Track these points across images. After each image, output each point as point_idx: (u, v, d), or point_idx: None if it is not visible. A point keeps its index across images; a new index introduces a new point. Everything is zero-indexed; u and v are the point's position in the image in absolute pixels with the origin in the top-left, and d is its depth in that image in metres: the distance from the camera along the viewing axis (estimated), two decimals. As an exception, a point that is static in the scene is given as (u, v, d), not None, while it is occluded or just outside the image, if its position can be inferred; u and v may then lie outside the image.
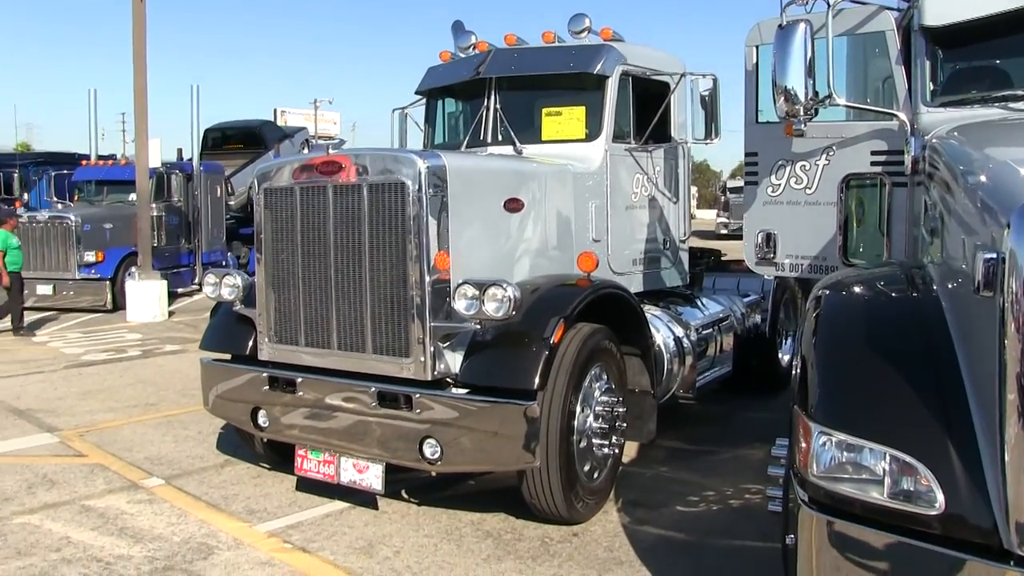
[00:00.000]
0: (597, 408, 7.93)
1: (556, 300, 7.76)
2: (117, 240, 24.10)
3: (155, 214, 24.87)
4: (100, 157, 29.84)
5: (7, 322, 19.43)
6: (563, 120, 9.91)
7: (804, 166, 8.48)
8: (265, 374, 8.40)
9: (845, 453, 4.34)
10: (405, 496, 8.45)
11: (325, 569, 6.98)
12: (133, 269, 23.05)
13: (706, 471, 9.31)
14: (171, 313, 22.65)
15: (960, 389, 4.27)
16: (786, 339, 13.24)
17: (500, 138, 10.01)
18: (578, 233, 9.33)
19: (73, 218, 23.58)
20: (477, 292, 7.34)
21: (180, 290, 26.09)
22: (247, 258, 29.20)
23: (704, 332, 10.72)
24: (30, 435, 11.05)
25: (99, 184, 26.78)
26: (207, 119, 47.03)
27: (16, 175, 29.43)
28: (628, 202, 10.10)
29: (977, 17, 6.98)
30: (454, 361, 7.61)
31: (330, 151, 8.13)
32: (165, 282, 22.58)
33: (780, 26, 7.19)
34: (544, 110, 10.05)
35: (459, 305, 7.43)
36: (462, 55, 10.85)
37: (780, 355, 12.94)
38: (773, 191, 8.70)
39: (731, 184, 60.04)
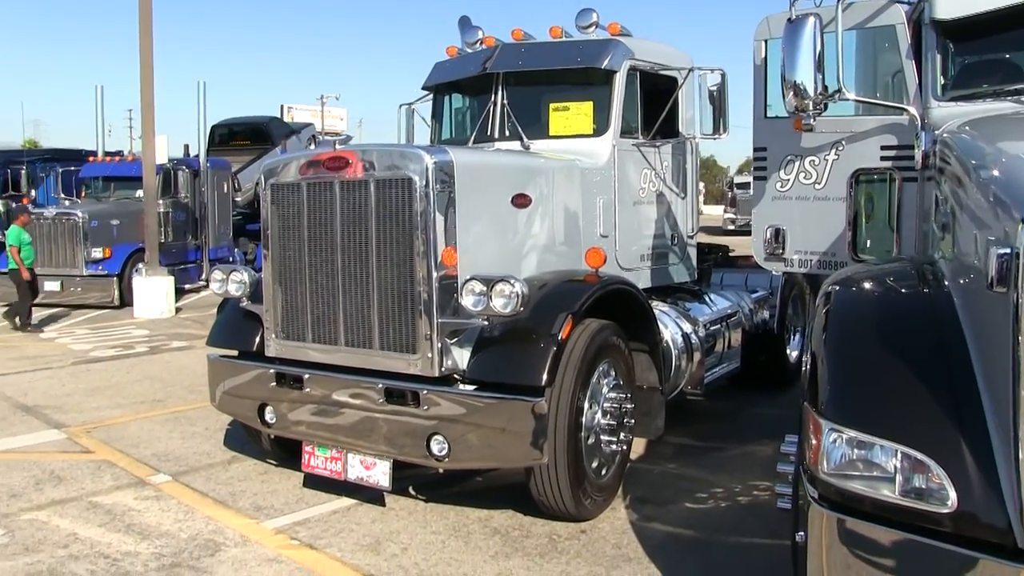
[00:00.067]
0: (605, 404, 7.90)
1: (564, 296, 7.72)
2: (124, 236, 24.15)
3: (162, 210, 24.89)
4: (107, 153, 29.84)
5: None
6: (570, 115, 9.88)
7: (813, 161, 8.44)
8: (272, 370, 8.38)
9: (856, 450, 4.30)
10: (412, 493, 8.43)
11: (332, 566, 6.95)
12: (140, 265, 23.12)
13: (714, 468, 9.28)
14: (178, 309, 22.66)
15: (972, 385, 4.23)
16: (794, 335, 13.22)
17: (507, 133, 9.96)
18: (586, 229, 9.29)
19: (80, 214, 23.65)
20: (485, 288, 7.30)
21: (187, 286, 26.11)
22: (254, 254, 29.17)
23: (712, 328, 10.68)
24: (37, 431, 11.05)
25: (106, 180, 26.84)
26: (214, 115, 47.27)
27: (23, 172, 29.43)
28: (636, 197, 10.06)
29: (988, 10, 6.94)
30: (461, 357, 7.58)
31: (337, 147, 8.11)
32: (172, 278, 22.59)
33: (789, 20, 7.16)
34: (551, 105, 10.02)
35: (466, 301, 7.39)
36: (469, 50, 10.82)
37: (788, 351, 12.92)
38: (782, 186, 8.66)
39: (738, 180, 59.87)
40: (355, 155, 7.90)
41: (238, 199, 30.33)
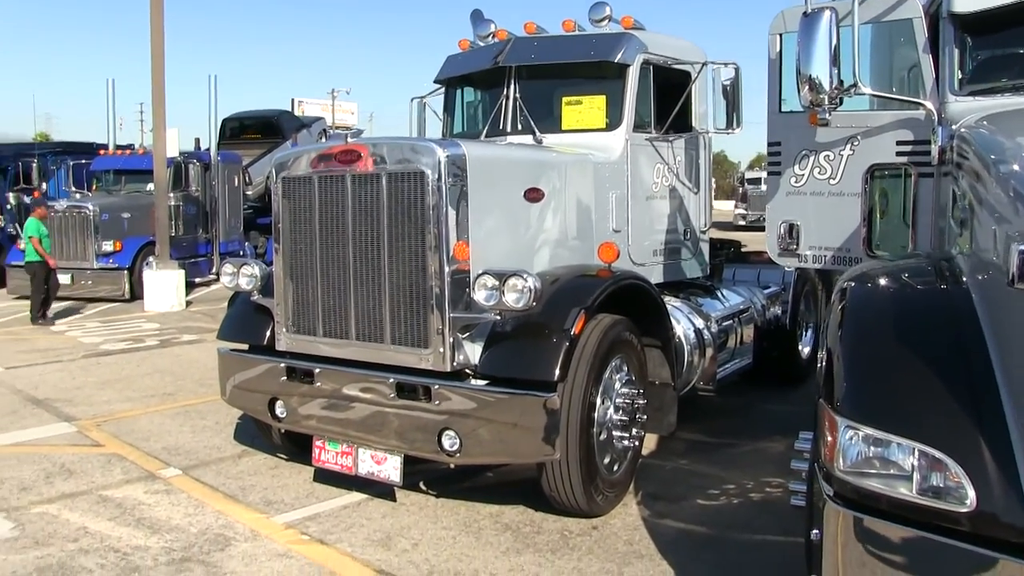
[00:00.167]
0: (617, 400, 7.86)
1: (577, 291, 7.68)
2: (135, 230, 24.19)
3: (173, 204, 24.91)
4: (118, 147, 29.84)
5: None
6: (583, 109, 9.83)
7: (828, 156, 8.38)
8: (283, 364, 8.35)
9: (872, 448, 4.24)
10: (423, 488, 8.40)
11: (343, 561, 6.92)
12: (151, 259, 23.12)
13: (726, 464, 9.23)
14: (189, 303, 22.69)
15: (992, 383, 4.17)
16: (806, 331, 13.17)
17: (520, 127, 9.92)
18: (598, 223, 9.24)
19: (91, 208, 23.70)
20: (497, 282, 7.26)
21: (197, 280, 26.17)
22: (264, 248, 29.22)
23: (724, 324, 10.64)
24: (48, 424, 11.04)
25: (117, 174, 26.87)
26: (225, 109, 47.21)
27: (35, 165, 29.40)
28: (648, 192, 10.01)
29: (1007, 4, 6.89)
30: (473, 352, 7.55)
31: (348, 140, 8.07)
32: (183, 272, 22.62)
33: (805, 13, 7.09)
34: (564, 99, 9.97)
35: (479, 296, 7.35)
36: (481, 44, 10.78)
37: (800, 347, 12.86)
38: (796, 181, 8.60)
39: (749, 175, 59.84)
40: (367, 148, 7.86)
41: (249, 192, 30.39)
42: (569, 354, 7.18)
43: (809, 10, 7.06)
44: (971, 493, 3.90)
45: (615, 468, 7.91)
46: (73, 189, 28.14)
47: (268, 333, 8.74)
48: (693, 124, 10.60)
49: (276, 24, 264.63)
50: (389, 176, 7.63)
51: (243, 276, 8.89)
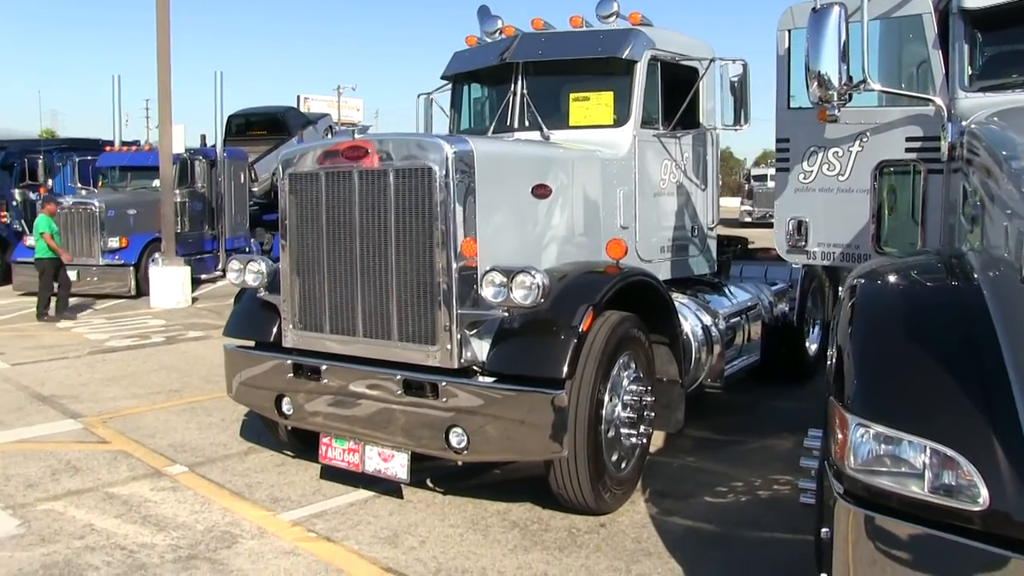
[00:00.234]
0: (625, 397, 7.84)
1: (585, 287, 7.65)
2: (141, 226, 24.19)
3: (179, 200, 24.93)
4: (124, 143, 29.88)
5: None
6: (591, 105, 9.80)
7: (837, 152, 8.35)
8: (289, 361, 8.33)
9: (883, 445, 4.21)
10: (430, 485, 8.38)
11: (350, 559, 6.90)
12: (157, 255, 23.13)
13: (733, 461, 9.21)
14: (194, 299, 22.69)
15: (1004, 380, 4.14)
16: (813, 328, 13.15)
17: (527, 123, 9.91)
18: (606, 220, 9.22)
19: (97, 204, 23.69)
20: (505, 279, 7.24)
21: (203, 276, 26.14)
22: (270, 244, 29.24)
23: (732, 321, 10.61)
24: (54, 421, 11.04)
25: (123, 170, 26.89)
26: (231, 105, 47.09)
27: (40, 161, 29.38)
28: (656, 189, 9.99)
29: (1018, -1, 6.85)
30: (481, 349, 7.52)
31: (356, 136, 8.05)
32: (188, 268, 22.62)
33: (814, 9, 7.07)
34: (571, 95, 9.95)
35: (486, 292, 7.33)
36: (488, 40, 10.75)
37: (807, 344, 12.84)
38: (805, 178, 8.57)
39: (755, 172, 59.84)
40: (374, 144, 7.84)
41: (255, 189, 30.38)
42: (577, 351, 7.16)
43: (818, 6, 7.03)
44: (984, 492, 3.87)
45: (623, 465, 7.89)
46: (79, 185, 28.15)
47: (275, 330, 8.72)
48: (701, 120, 10.57)
49: (282, 20, 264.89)
50: (396, 172, 7.61)
51: (250, 272, 8.88)
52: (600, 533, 7.36)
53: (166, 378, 13.50)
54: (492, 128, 10.19)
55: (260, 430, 9.73)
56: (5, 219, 28.08)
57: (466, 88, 11.21)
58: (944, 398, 4.20)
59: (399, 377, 7.56)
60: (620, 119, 9.68)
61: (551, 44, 10.11)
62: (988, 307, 4.55)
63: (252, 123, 34.73)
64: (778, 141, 8.85)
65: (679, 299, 9.53)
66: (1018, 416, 3.98)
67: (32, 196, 27.94)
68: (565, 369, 7.04)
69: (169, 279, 21.92)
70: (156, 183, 24.09)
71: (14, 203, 28.38)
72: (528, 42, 10.19)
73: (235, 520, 7.70)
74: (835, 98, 7.08)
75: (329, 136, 32.91)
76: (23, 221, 27.66)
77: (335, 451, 8.02)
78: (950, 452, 3.99)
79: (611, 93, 9.77)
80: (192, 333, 17.85)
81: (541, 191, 8.37)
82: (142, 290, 22.96)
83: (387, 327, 7.79)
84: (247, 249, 27.85)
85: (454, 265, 7.40)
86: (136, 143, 31.52)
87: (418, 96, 11.63)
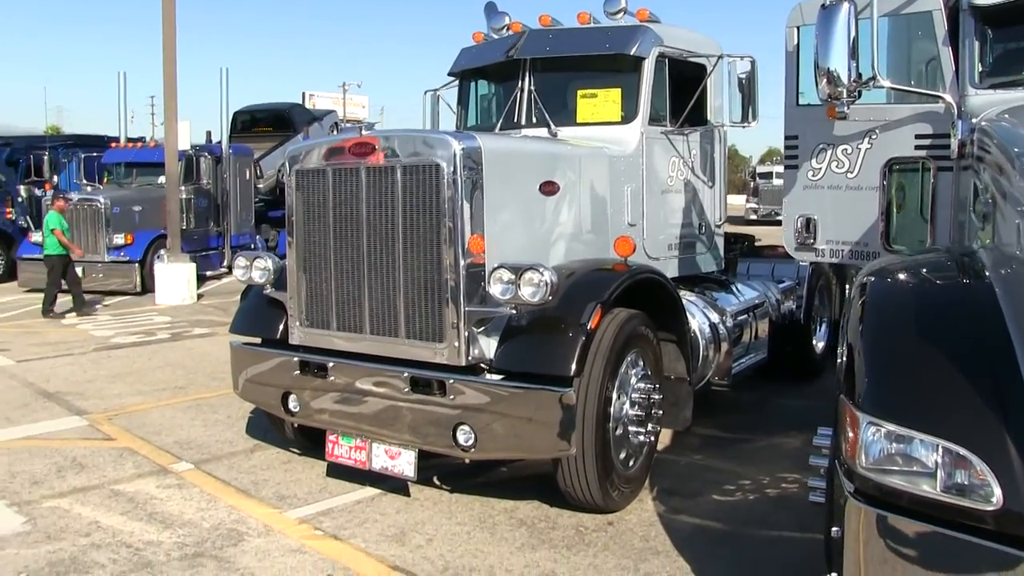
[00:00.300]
0: (633, 395, 7.81)
1: (593, 285, 7.63)
2: (146, 223, 24.20)
3: (184, 197, 24.90)
4: (129, 140, 29.86)
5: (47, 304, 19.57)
6: (598, 102, 9.78)
7: (846, 150, 8.32)
8: (296, 358, 8.32)
9: (895, 444, 4.18)
10: (437, 483, 8.37)
11: (357, 557, 6.88)
12: (162, 252, 23.10)
13: (741, 459, 9.19)
14: (200, 296, 22.69)
15: (1017, 378, 4.10)
16: (820, 326, 13.13)
17: (534, 120, 9.88)
18: (613, 217, 9.20)
19: (102, 200, 23.71)
20: (513, 276, 7.21)
21: (209, 273, 26.13)
22: (276, 241, 29.23)
23: (740, 318, 10.60)
24: (59, 418, 11.03)
25: (128, 167, 26.92)
26: (236, 102, 47.10)
27: (46, 158, 29.37)
28: (664, 186, 9.96)
29: (1029, -5, 6.83)
30: (488, 346, 7.50)
31: (363, 132, 8.03)
32: (194, 265, 22.62)
33: (823, 6, 7.04)
34: (579, 92, 9.92)
35: (494, 289, 7.30)
36: (495, 36, 10.72)
37: (815, 342, 12.82)
38: (814, 175, 8.54)
39: (761, 169, 59.81)
40: (381, 141, 7.82)
41: (260, 186, 30.39)
42: (585, 349, 7.13)
43: (827, 3, 7.01)
44: (997, 491, 3.84)
45: (631, 463, 7.87)
46: (84, 182, 28.18)
47: (281, 327, 8.71)
48: (708, 117, 10.55)
49: (287, 17, 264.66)
50: (404, 169, 7.59)
51: (256, 269, 8.86)
52: (608, 531, 7.33)
53: (171, 375, 13.50)
54: (499, 125, 10.17)
55: (266, 427, 9.72)
56: (11, 215, 28.08)
57: (473, 84, 11.18)
58: (956, 396, 4.16)
59: (406, 374, 7.54)
60: (628, 116, 9.66)
61: (559, 40, 10.09)
62: (1000, 304, 4.52)
63: (257, 119, 34.71)
64: (787, 138, 8.83)
65: (687, 297, 9.51)
66: (1031, 414, 3.95)
67: (37, 192, 28.00)
68: (573, 367, 7.02)
69: (174, 276, 21.93)
70: (161, 179, 24.12)
71: (19, 199, 28.39)
72: (536, 38, 10.16)
73: (241, 518, 7.69)
74: (844, 95, 7.07)
75: (335, 132, 32.90)
76: (28, 217, 27.69)
77: (342, 448, 8.00)
78: (963, 451, 3.96)
79: (619, 90, 9.75)
80: (197, 330, 17.82)
81: (549, 188, 8.35)
82: (147, 287, 23.00)
83: (394, 324, 7.77)
84: (252, 246, 27.82)
85: (462, 262, 7.37)
86: (141, 139, 31.52)
87: (425, 93, 11.63)
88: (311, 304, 8.34)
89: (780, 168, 53.30)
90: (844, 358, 4.94)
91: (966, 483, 3.95)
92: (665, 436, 9.34)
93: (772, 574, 6.66)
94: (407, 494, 8.10)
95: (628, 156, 9.44)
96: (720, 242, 11.18)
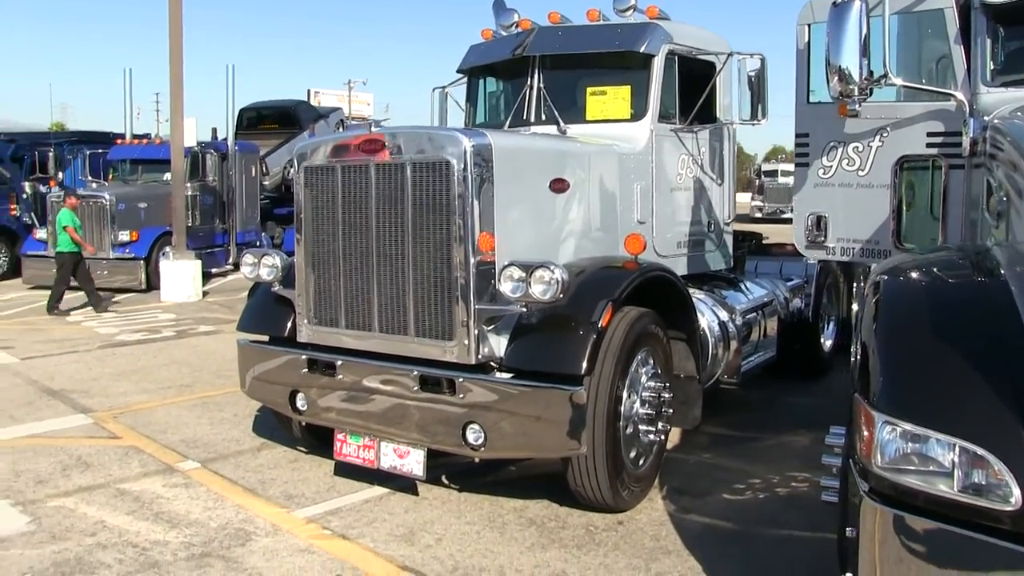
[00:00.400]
0: (644, 394, 7.78)
1: (604, 283, 7.60)
2: (151, 220, 24.20)
3: (190, 194, 24.91)
4: (135, 136, 29.86)
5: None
6: (608, 99, 9.75)
7: (857, 147, 8.30)
8: (304, 356, 8.29)
9: (911, 443, 4.14)
10: (445, 482, 8.33)
11: (366, 557, 6.85)
12: (167, 249, 23.16)
13: (750, 458, 9.16)
14: (205, 293, 22.68)
15: (1034, 376, 4.08)
16: (829, 324, 13.11)
17: (543, 117, 9.85)
18: (623, 214, 9.17)
19: (108, 197, 23.72)
20: (524, 274, 7.17)
21: (214, 270, 26.15)
22: (281, 238, 29.25)
23: (749, 316, 10.57)
24: (64, 416, 11.01)
25: (134, 163, 26.95)
26: (242, 99, 47.24)
27: (51, 154, 29.40)
28: (673, 183, 9.93)
29: (1041, -7, 6.80)
30: (499, 345, 7.47)
31: (372, 129, 8.00)
32: (199, 262, 22.61)
33: (834, 4, 7.03)
34: (588, 89, 9.89)
35: (505, 287, 7.26)
36: (504, 33, 10.69)
37: (823, 340, 12.80)
38: (824, 173, 8.52)
39: (766, 168, 59.84)
40: (390, 138, 7.79)
41: (266, 183, 30.35)
42: (596, 347, 7.10)
43: (839, 0, 6.98)
44: (1016, 491, 3.81)
45: (641, 462, 7.83)
46: (90, 179, 28.14)
47: (289, 324, 8.68)
48: (718, 115, 10.52)
49: (293, 15, 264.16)
50: (414, 166, 7.56)
51: (264, 267, 8.83)
52: (618, 531, 7.30)
53: (177, 373, 13.47)
54: (508, 122, 10.15)
55: (273, 426, 9.69)
56: (15, 212, 28.08)
57: (482, 82, 11.15)
58: (972, 395, 4.12)
59: (415, 373, 7.51)
60: (637, 113, 9.63)
61: (568, 38, 10.06)
62: (1016, 302, 4.49)
63: (263, 117, 34.71)
64: (798, 136, 8.81)
65: (696, 295, 9.46)
66: (1049, 414, 3.92)
67: (42, 189, 27.98)
68: (584, 365, 6.99)
69: (180, 273, 21.92)
70: (167, 176, 24.12)
71: (24, 196, 28.38)
72: (545, 36, 10.13)
73: (249, 517, 7.66)
74: (855, 93, 7.05)
75: (341, 130, 32.90)
76: (33, 214, 27.68)
77: (350, 447, 7.97)
78: (980, 450, 3.93)
79: (628, 87, 9.72)
80: (203, 327, 17.80)
81: (558, 185, 8.31)
82: (152, 284, 22.99)
83: (403, 322, 7.73)
84: (258, 243, 27.81)
85: (471, 260, 7.34)
86: (147, 136, 31.52)
87: (433, 90, 11.61)
88: (319, 302, 8.30)
89: (785, 166, 53.48)
90: (858, 357, 4.92)
91: (983, 483, 3.92)
92: (674, 435, 9.30)
93: (783, 574, 6.62)
94: (416, 493, 8.07)
95: (638, 154, 9.41)
96: (729, 240, 11.14)
